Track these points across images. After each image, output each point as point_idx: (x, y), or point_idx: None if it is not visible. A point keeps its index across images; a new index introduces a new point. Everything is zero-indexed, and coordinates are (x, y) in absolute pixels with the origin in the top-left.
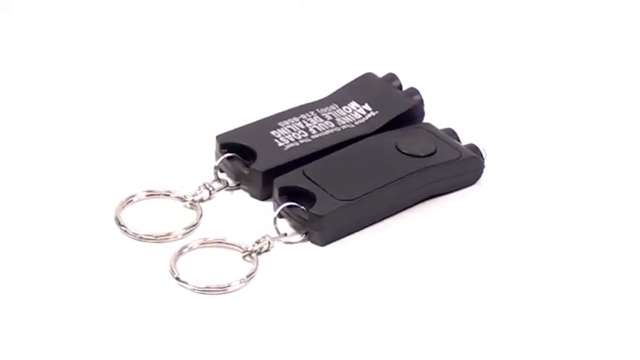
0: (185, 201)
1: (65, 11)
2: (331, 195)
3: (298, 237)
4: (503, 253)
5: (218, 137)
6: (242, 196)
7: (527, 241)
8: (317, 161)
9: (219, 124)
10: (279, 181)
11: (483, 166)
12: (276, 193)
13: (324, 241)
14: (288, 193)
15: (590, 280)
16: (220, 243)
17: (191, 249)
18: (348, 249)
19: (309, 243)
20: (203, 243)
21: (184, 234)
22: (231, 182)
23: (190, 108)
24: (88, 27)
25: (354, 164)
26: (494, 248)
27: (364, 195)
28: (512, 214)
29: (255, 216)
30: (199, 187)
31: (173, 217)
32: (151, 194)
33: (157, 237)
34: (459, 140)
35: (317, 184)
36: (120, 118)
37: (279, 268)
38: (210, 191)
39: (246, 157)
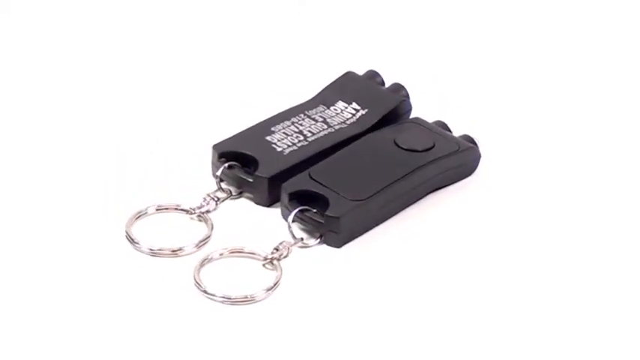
0: (192, 214)
1: (65, 11)
2: (343, 196)
3: (313, 240)
4: (515, 245)
5: (215, 147)
6: (246, 204)
7: (536, 232)
8: (321, 163)
9: (206, 127)
10: (288, 186)
11: (480, 156)
12: (285, 198)
13: (340, 242)
14: (297, 198)
15: (586, 269)
16: (240, 253)
17: (211, 260)
18: (364, 249)
19: (324, 246)
20: (222, 254)
21: (199, 246)
22: (233, 191)
23: (176, 113)
24: (88, 28)
25: (357, 163)
26: (506, 240)
27: (375, 194)
28: (514, 203)
29: (265, 223)
30: (204, 199)
31: (182, 230)
32: (160, 209)
33: (173, 251)
34: (450, 132)
35: (326, 186)
36: (107, 121)
37: (301, 274)
38: (216, 202)
39: (246, 165)
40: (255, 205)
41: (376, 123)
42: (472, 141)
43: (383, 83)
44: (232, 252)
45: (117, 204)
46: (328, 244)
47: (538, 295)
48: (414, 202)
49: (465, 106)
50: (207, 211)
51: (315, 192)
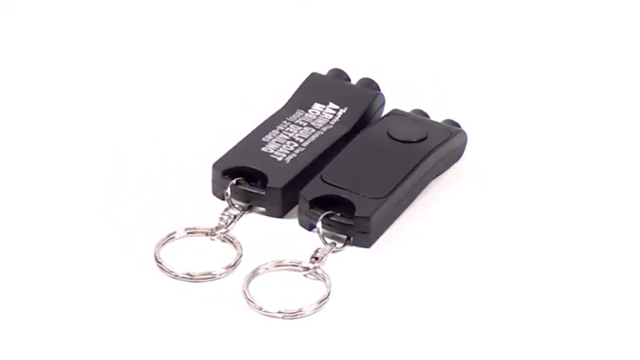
0: (214, 235)
1: (65, 11)
2: (364, 196)
3: (341, 244)
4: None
5: (216, 165)
6: (259, 218)
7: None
8: (329, 166)
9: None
10: (307, 194)
11: (467, 139)
12: (306, 205)
13: (370, 242)
14: (317, 204)
15: (577, 251)
16: (283, 266)
17: (256, 275)
18: (393, 246)
19: (353, 248)
20: (267, 268)
21: (233, 268)
22: (244, 207)
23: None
24: (88, 28)
25: (363, 162)
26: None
27: (394, 189)
28: (510, 185)
29: (285, 233)
30: (222, 219)
31: (205, 253)
32: (192, 232)
33: (212, 275)
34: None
35: (344, 188)
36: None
37: (344, 278)
38: (234, 221)
39: (252, 179)
40: (268, 217)
41: (359, 119)
42: (456, 125)
43: (349, 79)
44: (277, 266)
45: (111, 233)
46: (357, 245)
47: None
48: (420, 193)
49: (433, 91)
50: (227, 231)
51: (339, 196)
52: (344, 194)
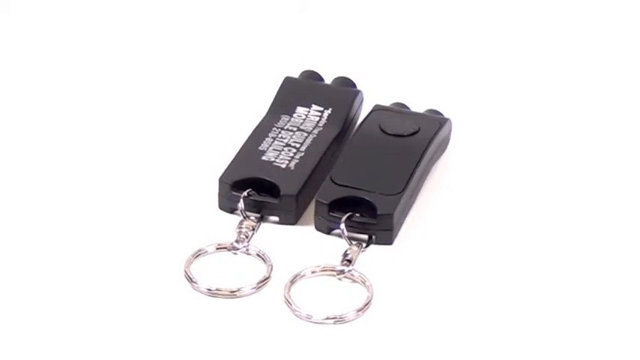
0: (236, 249)
1: (65, 12)
2: (380, 193)
3: (364, 243)
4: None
5: (224, 178)
6: (273, 227)
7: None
8: (336, 168)
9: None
10: (324, 198)
11: (451, 128)
12: (325, 209)
13: (392, 239)
14: (335, 206)
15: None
16: (315, 272)
17: (294, 283)
18: (412, 241)
19: (376, 246)
20: (305, 275)
21: (267, 280)
22: (257, 217)
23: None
24: (88, 29)
25: (367, 160)
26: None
27: (406, 184)
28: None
29: (305, 239)
30: (240, 232)
31: (234, 267)
32: (220, 247)
33: (257, 287)
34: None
35: (358, 188)
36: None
37: (378, 277)
38: (254, 232)
39: (261, 190)
40: (282, 225)
41: (346, 118)
42: (440, 114)
43: (323, 80)
44: (324, 271)
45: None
46: (380, 244)
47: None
48: (423, 185)
49: (405, 83)
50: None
51: (358, 196)
52: (361, 194)
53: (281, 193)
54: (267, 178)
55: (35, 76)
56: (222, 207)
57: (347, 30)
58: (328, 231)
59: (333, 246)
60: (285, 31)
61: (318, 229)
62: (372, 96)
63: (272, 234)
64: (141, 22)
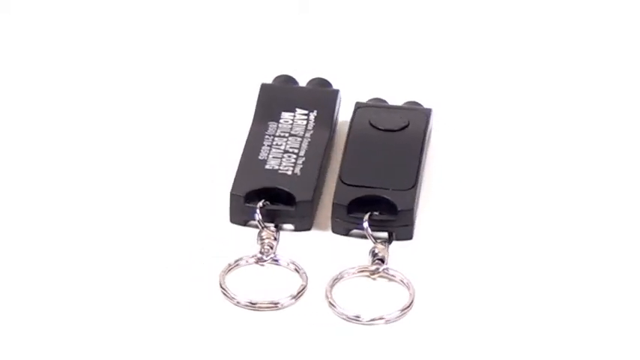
0: (263, 261)
1: (65, 12)
2: (394, 189)
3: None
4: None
5: (236, 191)
6: (290, 234)
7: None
8: (344, 169)
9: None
10: (342, 200)
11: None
12: (343, 211)
13: (412, 234)
14: (353, 207)
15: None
16: (353, 274)
17: (333, 285)
18: (430, 235)
19: (396, 242)
20: (344, 277)
21: (305, 288)
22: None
23: None
24: (89, 28)
25: (370, 158)
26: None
27: (416, 179)
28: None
29: (326, 243)
30: (263, 243)
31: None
32: (249, 260)
33: (297, 296)
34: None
35: (370, 187)
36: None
37: (413, 274)
38: (278, 242)
39: (275, 200)
40: (298, 232)
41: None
42: (420, 105)
43: (297, 82)
44: (350, 273)
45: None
46: (401, 239)
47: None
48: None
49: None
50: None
51: (377, 195)
52: (378, 192)
53: (297, 200)
54: (281, 187)
55: (35, 76)
56: (234, 220)
57: (306, 29)
58: (346, 232)
59: (354, 247)
60: (241, 37)
61: (335, 231)
62: (344, 94)
63: (291, 242)
64: (141, 22)
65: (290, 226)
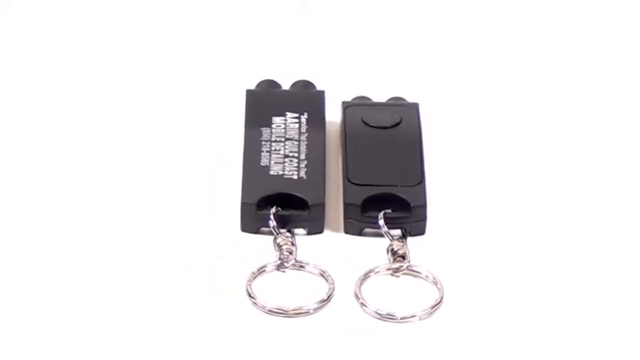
0: (284, 267)
1: (65, 12)
2: (403, 186)
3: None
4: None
5: (247, 199)
6: (304, 238)
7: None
8: (349, 169)
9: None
10: (354, 200)
11: None
12: (357, 211)
13: (425, 228)
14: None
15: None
16: (379, 273)
17: (363, 283)
18: (441, 229)
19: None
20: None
21: (332, 291)
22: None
23: None
24: (90, 28)
25: (373, 156)
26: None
27: (422, 174)
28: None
29: (339, 245)
30: (281, 249)
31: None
32: (271, 267)
33: (322, 302)
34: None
35: (379, 185)
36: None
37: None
38: (295, 247)
39: (287, 205)
40: (311, 235)
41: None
42: (403, 100)
43: (280, 86)
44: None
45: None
46: (415, 235)
47: None
48: None
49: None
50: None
51: (389, 193)
52: (390, 190)
53: (309, 204)
54: (293, 192)
55: (35, 76)
56: (245, 229)
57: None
58: (359, 232)
59: (370, 246)
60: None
61: (347, 232)
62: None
63: (306, 246)
64: (140, 21)
65: (302, 231)
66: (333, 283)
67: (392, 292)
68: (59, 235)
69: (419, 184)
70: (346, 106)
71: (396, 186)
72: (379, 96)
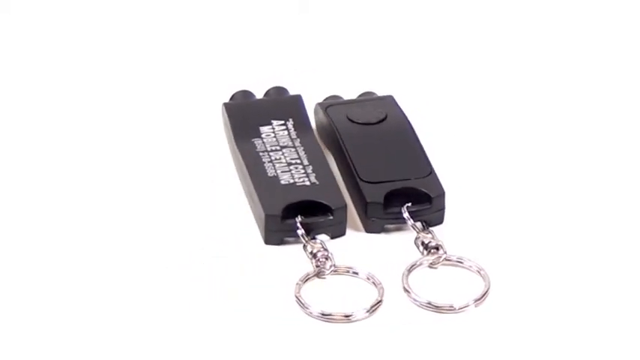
0: (324, 274)
1: (66, 12)
2: (416, 178)
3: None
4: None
5: (269, 210)
6: (330, 243)
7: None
8: (358, 169)
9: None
10: (375, 198)
11: None
12: (379, 209)
13: (443, 217)
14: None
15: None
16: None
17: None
18: (458, 216)
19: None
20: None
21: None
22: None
23: None
24: (90, 28)
25: (376, 153)
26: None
27: (430, 166)
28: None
29: (366, 245)
30: (315, 257)
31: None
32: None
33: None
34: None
35: (395, 180)
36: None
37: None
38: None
39: (307, 213)
40: (335, 239)
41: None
42: (374, 94)
43: (254, 95)
44: (419, 265)
45: None
46: (435, 225)
47: None
48: None
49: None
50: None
51: (409, 187)
52: (405, 184)
53: (333, 208)
54: (314, 199)
55: (35, 76)
56: (269, 242)
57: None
58: (380, 230)
59: (395, 242)
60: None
61: (369, 231)
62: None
63: (335, 249)
64: (140, 21)
65: (326, 237)
66: (380, 283)
67: (433, 283)
68: (59, 235)
69: (430, 174)
70: (326, 107)
71: (410, 179)
72: (350, 93)
